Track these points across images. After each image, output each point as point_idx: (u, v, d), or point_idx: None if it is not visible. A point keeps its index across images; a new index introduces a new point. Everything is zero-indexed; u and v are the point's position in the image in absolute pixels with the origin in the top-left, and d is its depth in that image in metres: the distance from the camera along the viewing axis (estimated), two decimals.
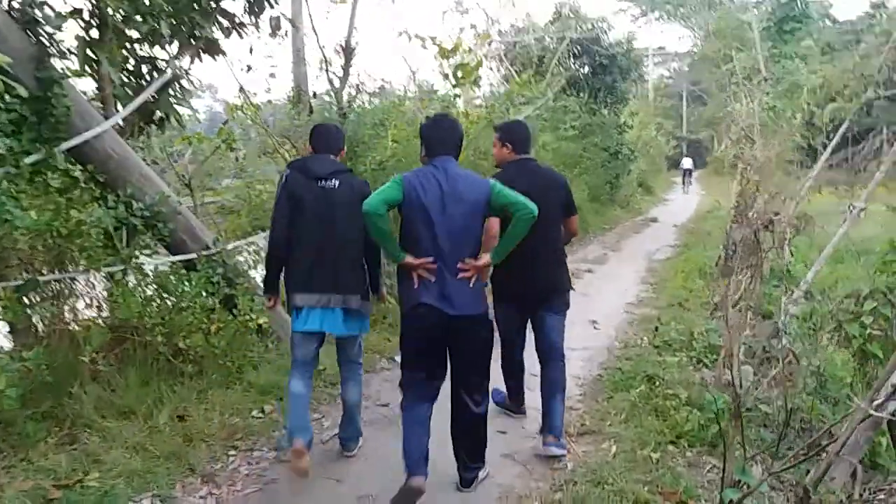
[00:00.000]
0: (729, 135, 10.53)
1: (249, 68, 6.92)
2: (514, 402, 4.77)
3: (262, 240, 6.88)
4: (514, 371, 4.66)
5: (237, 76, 7.02)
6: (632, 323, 7.14)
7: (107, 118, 4.80)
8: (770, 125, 10.15)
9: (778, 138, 9.71)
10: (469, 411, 3.55)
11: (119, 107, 5.12)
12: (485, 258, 3.42)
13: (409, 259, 3.33)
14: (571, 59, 17.56)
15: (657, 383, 5.04)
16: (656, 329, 6.60)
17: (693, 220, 17.36)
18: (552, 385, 4.28)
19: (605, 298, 8.32)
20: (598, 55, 17.41)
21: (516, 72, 15.42)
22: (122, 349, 4.80)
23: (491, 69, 14.90)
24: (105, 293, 5.00)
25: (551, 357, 4.35)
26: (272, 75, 7.02)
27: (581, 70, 16.80)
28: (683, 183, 31.32)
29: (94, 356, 4.44)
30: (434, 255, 3.32)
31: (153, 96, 5.28)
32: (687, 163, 31.79)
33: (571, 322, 7.14)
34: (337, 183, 3.73)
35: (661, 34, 52.02)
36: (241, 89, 6.75)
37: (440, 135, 3.52)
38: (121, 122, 5.03)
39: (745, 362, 5.66)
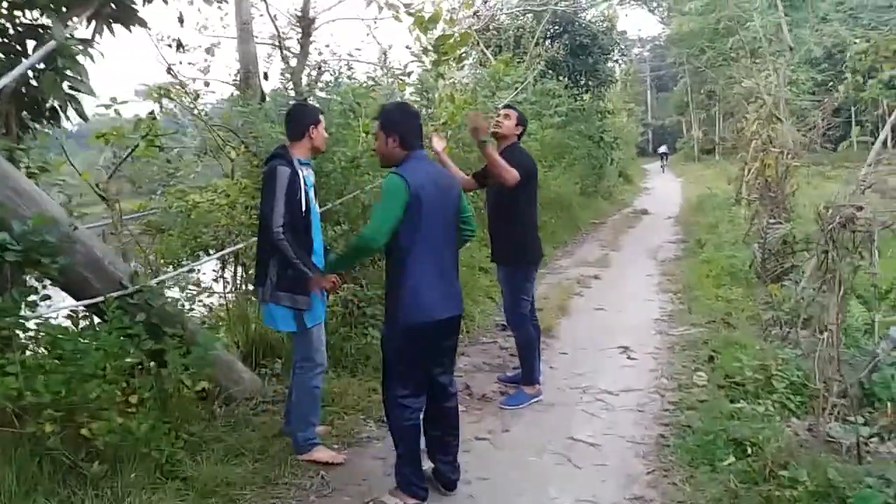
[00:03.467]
0: (745, 114, 9.29)
1: (180, 45, 5.38)
2: (532, 380, 4.84)
3: (211, 264, 5.39)
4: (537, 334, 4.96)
5: (164, 55, 5.43)
6: (673, 349, 5.78)
7: None
8: (794, 101, 8.95)
9: (804, 118, 8.50)
10: (455, 397, 3.58)
11: None
12: None
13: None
14: (549, 41, 16.18)
15: (750, 451, 3.68)
16: (711, 359, 5.26)
17: (687, 210, 16.13)
18: None
19: (626, 315, 6.97)
20: (578, 35, 16.06)
21: (493, 53, 13.99)
22: None
23: (466, 50, 13.41)
24: None
25: None
26: (209, 51, 5.49)
27: (559, 51, 15.39)
28: (662, 164, 38.33)
29: None
30: (435, 256, 3.22)
31: (32, 74, 3.74)
32: (663, 148, 39.94)
33: (599, 350, 5.88)
34: (265, 170, 3.70)
35: (625, 18, 51.65)
36: (170, 70, 5.20)
37: (417, 125, 3.36)
38: None
39: (841, 405, 4.37)
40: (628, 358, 5.66)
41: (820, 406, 4.17)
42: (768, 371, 4.63)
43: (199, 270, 4.75)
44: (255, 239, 4.52)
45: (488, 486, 3.64)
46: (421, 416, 3.43)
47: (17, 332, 3.48)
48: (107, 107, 5.18)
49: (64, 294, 3.97)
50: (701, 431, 4.01)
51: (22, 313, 3.49)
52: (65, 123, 4.42)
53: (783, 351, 4.96)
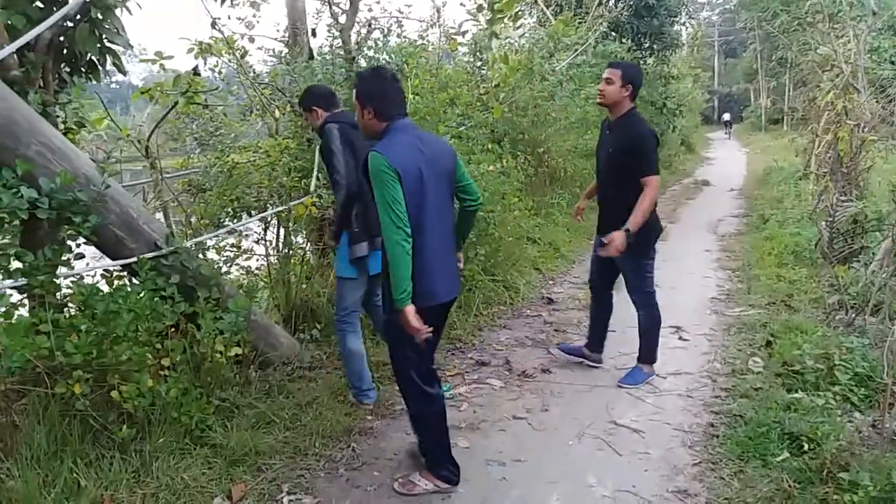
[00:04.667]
0: (819, 83, 8.71)
1: None
2: (652, 359, 4.59)
3: (254, 225, 5.29)
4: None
5: (208, 8, 5.29)
6: (728, 330, 5.48)
7: None
8: (874, 70, 8.34)
9: (884, 88, 7.91)
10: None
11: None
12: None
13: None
14: (612, 1, 15.55)
15: (807, 447, 3.42)
16: (769, 344, 4.96)
17: (751, 183, 15.46)
18: None
19: (681, 292, 6.65)
20: None
21: (553, 13, 13.50)
22: (23, 405, 3.28)
23: (522, 9, 12.96)
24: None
25: None
26: (254, 5, 5.31)
27: (623, 12, 14.76)
28: (727, 131, 39.58)
29: None
30: (428, 234, 2.97)
31: (67, 24, 3.64)
32: (726, 115, 41.47)
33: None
34: None
35: None
36: (214, 24, 5.06)
37: (394, 91, 3.05)
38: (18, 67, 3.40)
39: None
40: (680, 339, 5.40)
41: (887, 401, 3.85)
42: (831, 360, 4.30)
43: (243, 231, 4.65)
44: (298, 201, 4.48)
45: (523, 468, 3.49)
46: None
47: (50, 291, 3.45)
48: (153, 62, 5.10)
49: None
50: (754, 422, 3.75)
51: (57, 272, 3.47)
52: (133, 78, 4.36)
53: (848, 339, 4.63)
